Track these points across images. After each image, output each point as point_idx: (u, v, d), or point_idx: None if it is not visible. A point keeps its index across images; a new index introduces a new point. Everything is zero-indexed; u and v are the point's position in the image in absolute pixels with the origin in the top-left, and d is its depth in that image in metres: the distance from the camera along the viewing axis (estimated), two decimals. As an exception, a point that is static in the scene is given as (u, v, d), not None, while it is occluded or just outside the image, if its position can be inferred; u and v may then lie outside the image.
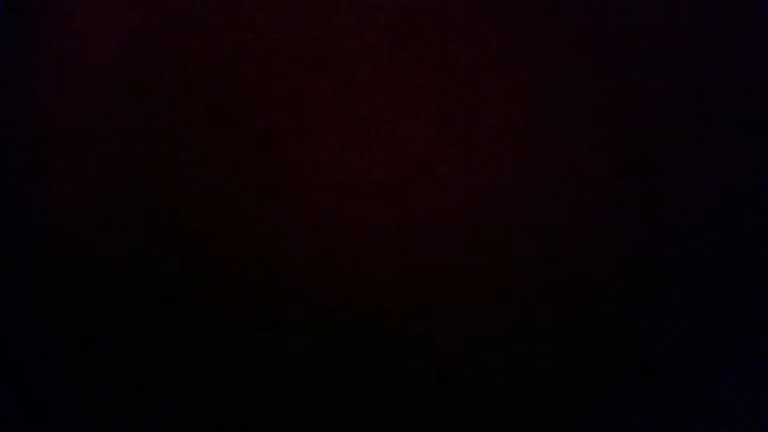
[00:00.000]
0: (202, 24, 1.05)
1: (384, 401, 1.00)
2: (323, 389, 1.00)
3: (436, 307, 0.99)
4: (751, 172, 0.96)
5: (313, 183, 1.02)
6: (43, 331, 1.07)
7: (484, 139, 0.99)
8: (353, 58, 1.02)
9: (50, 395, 1.07)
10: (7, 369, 1.08)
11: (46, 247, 1.08)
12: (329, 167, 1.01)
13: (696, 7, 0.98)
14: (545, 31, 0.99)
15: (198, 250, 1.04)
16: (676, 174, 0.97)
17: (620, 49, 0.98)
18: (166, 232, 1.04)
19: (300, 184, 1.02)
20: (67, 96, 1.09)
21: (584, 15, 0.98)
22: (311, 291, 1.01)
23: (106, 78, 1.07)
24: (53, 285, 1.07)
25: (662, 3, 0.98)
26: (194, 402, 1.03)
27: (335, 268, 1.01)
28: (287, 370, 1.01)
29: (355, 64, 1.02)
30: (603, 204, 0.97)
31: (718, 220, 0.96)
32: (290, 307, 1.01)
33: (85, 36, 1.09)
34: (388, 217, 1.00)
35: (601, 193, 0.97)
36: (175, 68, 1.05)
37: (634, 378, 0.96)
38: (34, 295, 1.08)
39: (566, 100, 0.98)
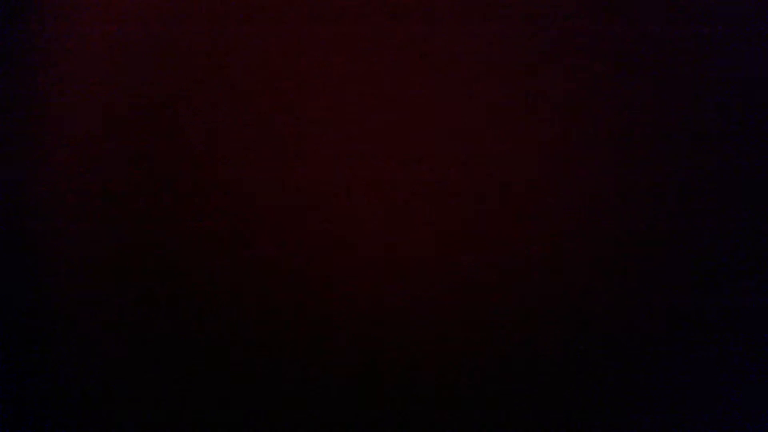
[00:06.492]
0: (203, 26, 1.05)
1: (385, 408, 1.00)
2: (322, 398, 1.01)
3: (437, 312, 0.99)
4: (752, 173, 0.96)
5: (314, 185, 1.02)
6: (44, 333, 1.08)
7: (485, 142, 0.99)
8: (354, 60, 1.02)
9: (51, 399, 1.07)
10: (7, 369, 1.09)
11: (45, 248, 1.08)
12: (329, 170, 1.01)
13: (695, 8, 0.98)
14: (546, 31, 0.99)
15: (198, 251, 1.04)
16: (678, 174, 0.97)
17: (626, 51, 0.98)
18: (164, 234, 1.04)
19: (300, 186, 1.02)
20: (62, 96, 1.08)
21: (586, 16, 0.98)
22: (310, 295, 1.01)
23: (104, 79, 1.07)
24: (52, 287, 1.07)
25: (664, 3, 0.98)
26: (194, 408, 1.03)
27: (335, 270, 1.01)
28: (286, 374, 1.02)
29: (355, 67, 1.02)
30: (605, 207, 0.97)
31: (721, 220, 0.96)
32: (290, 312, 1.01)
33: (82, 37, 1.09)
34: (389, 220, 1.00)
35: (602, 195, 0.97)
36: (174, 69, 1.05)
37: (635, 383, 0.97)
38: (34, 296, 1.08)
39: (568, 102, 0.98)
